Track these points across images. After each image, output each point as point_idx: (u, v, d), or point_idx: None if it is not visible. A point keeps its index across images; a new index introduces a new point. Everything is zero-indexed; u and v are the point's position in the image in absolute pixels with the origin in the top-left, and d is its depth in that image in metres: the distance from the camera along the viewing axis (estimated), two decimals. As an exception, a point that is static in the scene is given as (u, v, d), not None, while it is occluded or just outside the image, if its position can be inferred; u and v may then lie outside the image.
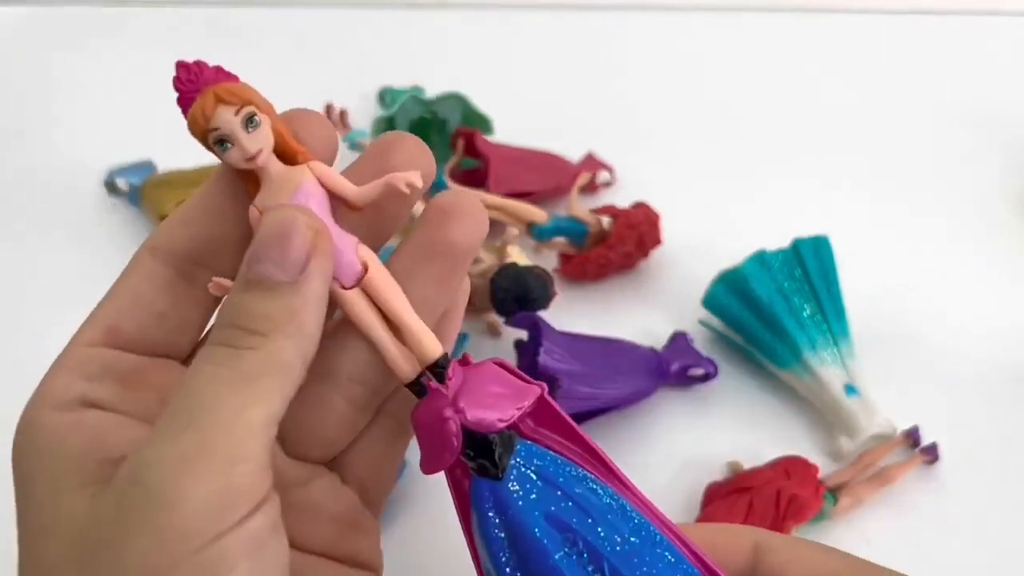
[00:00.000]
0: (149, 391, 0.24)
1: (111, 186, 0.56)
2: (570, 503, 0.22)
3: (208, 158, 0.60)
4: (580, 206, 0.51)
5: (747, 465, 0.42)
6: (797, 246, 0.47)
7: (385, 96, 0.62)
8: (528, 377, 0.24)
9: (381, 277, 0.24)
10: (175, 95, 0.23)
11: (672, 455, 0.43)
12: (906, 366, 0.47)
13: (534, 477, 0.23)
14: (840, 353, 0.45)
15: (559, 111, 0.62)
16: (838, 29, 0.70)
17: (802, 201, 0.56)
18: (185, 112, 0.23)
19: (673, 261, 0.52)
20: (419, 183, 0.23)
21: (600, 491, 0.23)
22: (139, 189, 0.55)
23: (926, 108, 0.63)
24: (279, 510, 0.21)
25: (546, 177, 0.54)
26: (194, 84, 0.23)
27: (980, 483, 0.43)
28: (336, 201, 0.24)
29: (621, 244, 0.49)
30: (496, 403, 0.23)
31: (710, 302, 0.47)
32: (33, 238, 0.56)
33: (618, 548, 0.22)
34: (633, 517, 0.23)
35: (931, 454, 0.43)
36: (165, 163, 0.56)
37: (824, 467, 0.42)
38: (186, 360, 0.25)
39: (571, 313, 0.48)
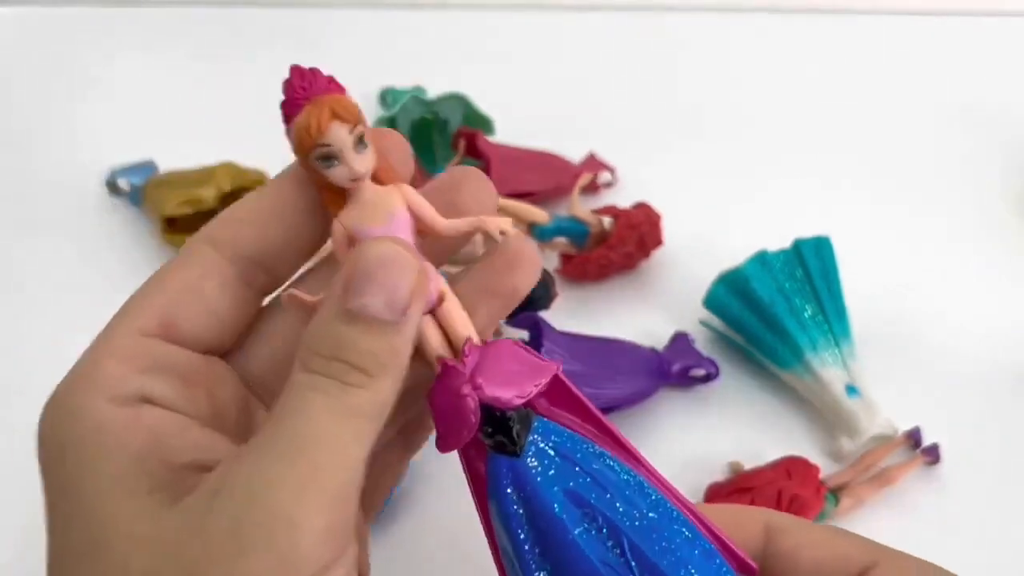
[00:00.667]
0: (201, 390, 0.23)
1: (112, 186, 0.56)
2: (588, 479, 0.22)
3: (209, 158, 0.60)
4: (581, 206, 0.51)
5: (748, 465, 0.42)
6: (798, 246, 0.47)
7: (386, 97, 0.62)
8: (542, 356, 0.24)
9: (454, 307, 0.24)
10: (281, 98, 0.22)
11: (673, 455, 0.43)
12: (907, 366, 0.47)
13: (552, 453, 0.23)
14: (841, 353, 0.45)
15: (560, 111, 0.62)
16: (839, 30, 0.70)
17: (803, 201, 0.56)
18: (289, 118, 0.22)
19: (674, 261, 0.52)
20: (511, 231, 0.24)
21: (617, 467, 0.23)
22: (140, 189, 0.55)
23: (927, 108, 0.63)
24: (356, 556, 0.22)
25: (547, 177, 0.54)
26: (306, 92, 0.22)
27: (981, 484, 0.43)
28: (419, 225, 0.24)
29: (622, 244, 0.49)
30: (513, 380, 0.23)
31: (711, 302, 0.47)
32: (34, 238, 0.56)
33: (636, 523, 0.22)
34: (650, 493, 0.23)
35: (932, 455, 0.43)
36: (166, 163, 0.56)
37: (825, 468, 0.42)
38: (224, 357, 0.25)
39: (572, 313, 0.48)
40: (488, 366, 0.23)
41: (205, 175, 0.52)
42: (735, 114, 0.63)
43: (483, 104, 0.59)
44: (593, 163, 0.57)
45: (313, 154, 0.22)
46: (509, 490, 0.23)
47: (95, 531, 0.20)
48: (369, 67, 0.66)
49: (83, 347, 0.55)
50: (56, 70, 0.67)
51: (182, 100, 0.64)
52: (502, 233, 0.23)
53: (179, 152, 0.57)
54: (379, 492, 0.28)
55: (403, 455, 0.28)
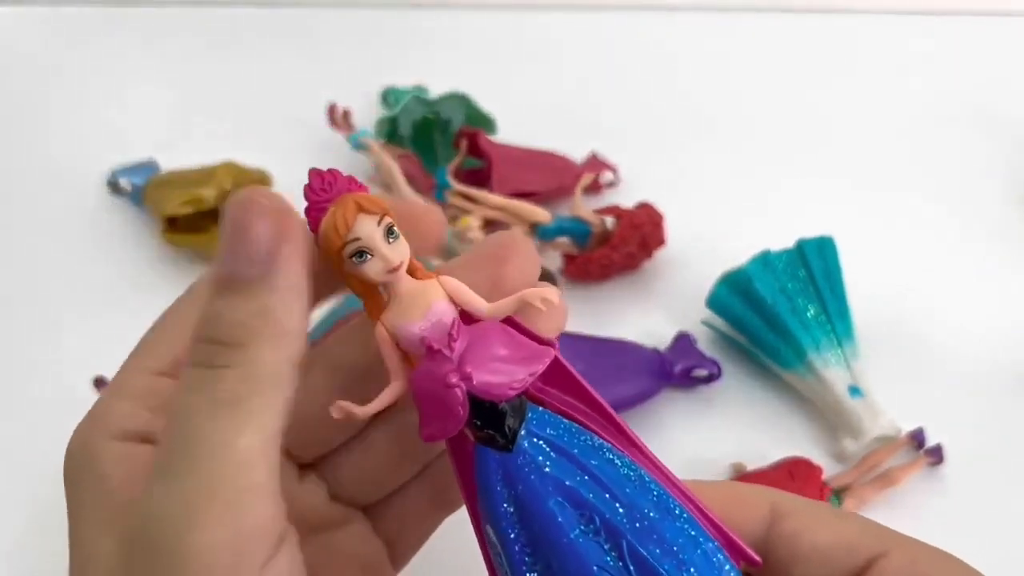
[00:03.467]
0: None
1: (114, 186, 0.56)
2: (586, 476, 0.21)
3: (210, 158, 0.60)
4: (584, 206, 0.51)
5: (751, 466, 0.42)
6: (801, 246, 0.47)
7: (388, 96, 0.62)
8: (537, 334, 0.22)
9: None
10: (304, 204, 0.21)
11: (675, 456, 0.43)
12: (910, 367, 0.47)
13: (547, 448, 0.21)
14: (844, 354, 0.45)
15: (562, 111, 0.62)
16: (843, 29, 0.70)
17: (806, 201, 0.56)
18: (313, 221, 0.21)
19: (677, 261, 0.52)
20: (555, 299, 0.22)
21: (617, 461, 0.21)
22: (142, 189, 0.55)
23: (931, 109, 0.63)
24: (297, 545, 0.20)
25: (549, 177, 0.54)
26: (327, 193, 0.21)
27: (985, 485, 0.42)
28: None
29: (624, 245, 0.49)
30: (505, 367, 0.21)
31: (714, 303, 0.47)
32: (36, 238, 0.56)
33: (637, 525, 0.20)
34: (652, 489, 0.21)
35: (936, 456, 0.43)
36: (168, 163, 0.56)
37: (828, 469, 0.42)
38: None
39: (574, 314, 0.47)
40: (478, 351, 0.21)
41: (206, 175, 0.52)
42: (738, 114, 0.63)
43: (485, 103, 0.58)
44: (595, 163, 0.56)
45: (344, 252, 0.21)
46: (499, 487, 0.21)
47: (77, 560, 0.21)
48: (370, 67, 0.66)
49: (83, 346, 0.55)
50: (56, 70, 0.67)
51: (183, 100, 0.64)
52: (544, 302, 0.22)
53: (180, 152, 0.57)
54: (409, 544, 0.26)
55: (431, 509, 0.26)
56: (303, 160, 0.61)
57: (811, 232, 0.48)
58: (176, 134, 0.61)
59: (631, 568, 0.20)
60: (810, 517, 0.23)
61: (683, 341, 0.47)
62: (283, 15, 0.72)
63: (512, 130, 0.58)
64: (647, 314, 0.50)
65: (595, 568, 0.20)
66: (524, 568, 0.21)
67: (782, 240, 0.47)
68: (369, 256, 0.21)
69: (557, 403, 0.22)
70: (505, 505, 0.21)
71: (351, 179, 0.22)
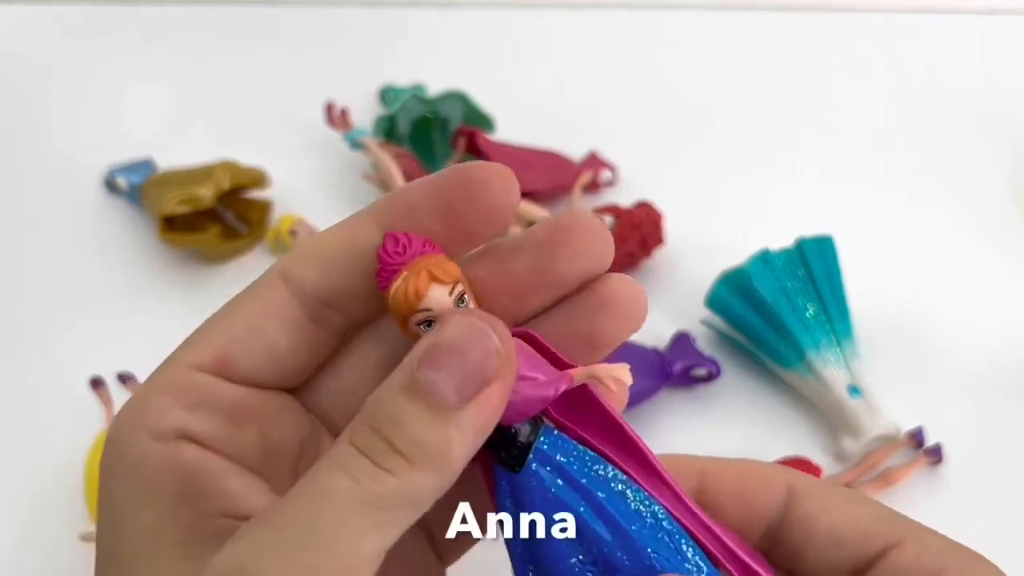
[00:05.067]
0: (252, 427, 0.22)
1: (111, 185, 0.56)
2: (590, 507, 0.21)
3: (208, 157, 0.59)
4: (582, 205, 0.50)
5: (750, 466, 0.42)
6: (801, 246, 0.47)
7: (386, 95, 0.62)
8: (559, 353, 0.22)
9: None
10: (376, 265, 0.21)
11: (675, 456, 0.43)
12: (910, 367, 0.47)
13: (555, 475, 0.21)
14: (844, 354, 0.45)
15: (561, 110, 0.62)
16: (844, 28, 0.70)
17: (806, 200, 0.55)
18: (384, 284, 0.21)
19: (676, 261, 0.52)
20: (628, 380, 0.21)
21: (630, 494, 0.21)
22: (139, 188, 0.54)
23: (933, 107, 0.62)
24: None
25: (548, 176, 0.54)
26: (401, 257, 0.21)
27: (984, 484, 0.42)
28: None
29: (624, 244, 0.49)
30: (522, 390, 0.21)
31: (713, 302, 0.47)
32: (32, 236, 0.56)
33: (637, 563, 0.20)
34: (663, 525, 0.21)
35: (935, 455, 0.43)
36: (165, 161, 0.56)
37: (828, 468, 0.42)
38: (294, 391, 0.24)
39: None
40: None
41: (204, 174, 0.52)
42: (737, 112, 0.63)
43: (483, 102, 0.58)
44: (594, 162, 0.56)
45: (412, 319, 0.21)
46: (508, 503, 0.21)
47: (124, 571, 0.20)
48: (369, 65, 0.65)
49: (79, 346, 0.55)
50: (53, 68, 0.67)
51: (181, 98, 0.64)
52: (615, 382, 0.21)
53: (178, 150, 0.56)
54: (459, 542, 0.25)
55: (434, 563, 0.25)
56: (301, 159, 0.61)
57: (811, 231, 0.48)
58: (173, 133, 0.61)
59: None
60: (826, 500, 0.23)
61: (682, 340, 0.47)
62: (282, 13, 0.71)
63: (510, 129, 0.58)
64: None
65: None
66: None
67: (781, 239, 0.47)
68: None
69: (578, 426, 0.22)
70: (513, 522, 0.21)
71: (426, 241, 0.21)
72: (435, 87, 0.60)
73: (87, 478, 0.43)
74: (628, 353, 0.45)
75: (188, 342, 0.22)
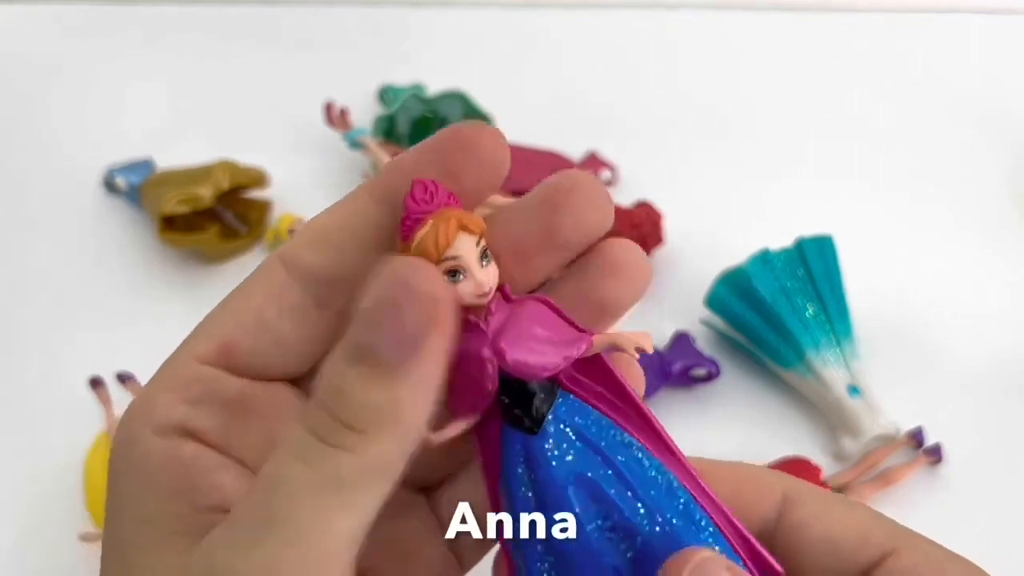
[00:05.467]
0: (254, 421, 0.22)
1: (110, 185, 0.56)
2: (610, 471, 0.20)
3: (207, 157, 0.59)
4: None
5: (750, 466, 0.42)
6: (801, 245, 0.47)
7: (386, 94, 0.62)
8: (575, 320, 0.21)
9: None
10: (402, 213, 0.21)
11: (674, 456, 0.43)
12: (910, 367, 0.47)
13: (573, 437, 0.21)
14: (843, 353, 0.45)
15: (561, 109, 0.62)
16: (844, 27, 0.70)
17: (805, 200, 0.55)
18: (407, 232, 0.21)
19: (675, 261, 0.52)
20: (650, 348, 0.21)
21: (646, 462, 0.21)
22: (138, 188, 0.54)
23: (933, 107, 0.62)
24: None
25: (547, 176, 0.54)
26: (427, 204, 0.21)
27: (984, 484, 0.42)
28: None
29: (623, 243, 0.49)
30: (540, 348, 0.20)
31: (713, 302, 0.47)
32: (32, 236, 0.56)
33: (657, 529, 0.20)
34: (679, 495, 0.21)
35: (935, 455, 0.43)
36: (164, 161, 0.56)
37: (827, 468, 0.42)
38: (298, 382, 0.23)
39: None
40: (515, 328, 0.21)
41: (203, 173, 0.52)
42: (737, 112, 0.63)
43: (483, 102, 0.58)
44: (594, 161, 0.56)
45: (438, 268, 0.20)
46: (520, 470, 0.21)
47: (120, 563, 0.21)
48: (368, 65, 0.65)
49: (79, 346, 0.55)
50: (52, 68, 0.67)
51: (180, 98, 0.64)
52: (638, 350, 0.21)
53: (177, 150, 0.56)
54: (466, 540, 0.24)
55: (454, 566, 0.25)
56: (300, 159, 0.61)
57: (810, 231, 0.48)
58: (173, 133, 0.61)
59: (642, 572, 0.20)
60: (822, 507, 0.22)
61: (682, 340, 0.47)
62: (281, 13, 0.71)
63: (510, 128, 0.57)
64: (645, 313, 0.49)
65: (608, 566, 0.20)
66: (536, 560, 0.21)
67: (781, 239, 0.47)
68: (462, 276, 0.21)
69: (592, 396, 0.22)
70: (523, 489, 0.21)
71: (451, 194, 0.21)
72: (434, 87, 0.60)
73: (87, 478, 0.43)
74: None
75: (193, 334, 0.22)
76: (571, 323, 0.22)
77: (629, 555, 0.20)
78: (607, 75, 0.66)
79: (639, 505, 0.20)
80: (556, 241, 0.22)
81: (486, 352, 0.20)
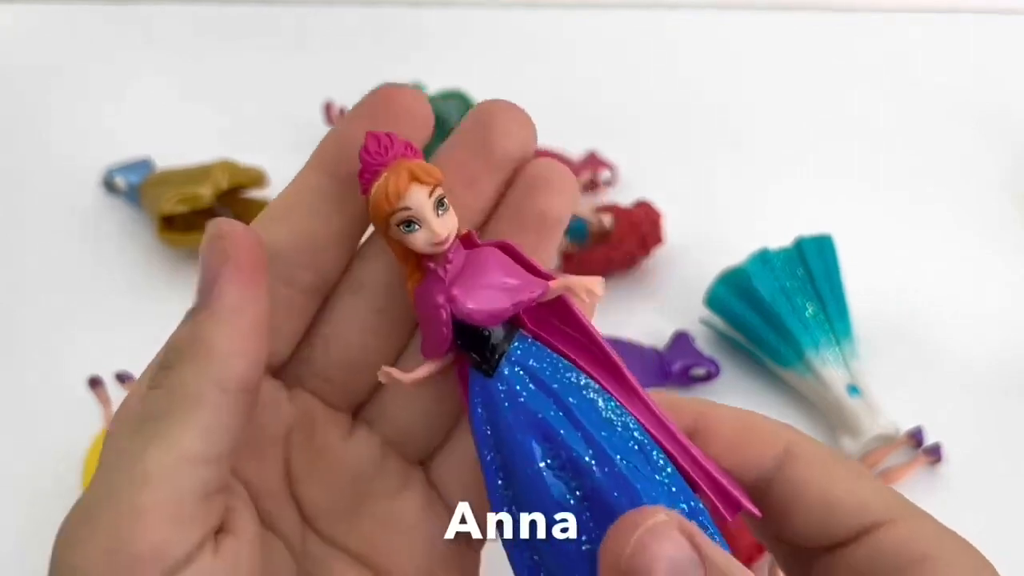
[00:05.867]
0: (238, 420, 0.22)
1: (109, 184, 0.56)
2: (560, 412, 0.21)
3: (206, 156, 0.59)
4: (582, 205, 0.50)
5: (749, 466, 0.42)
6: (800, 245, 0.47)
7: (385, 94, 0.62)
8: (536, 264, 0.22)
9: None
10: (357, 166, 0.22)
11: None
12: (909, 367, 0.47)
13: (527, 379, 0.21)
14: (843, 353, 0.45)
15: (560, 109, 0.62)
16: (843, 27, 0.70)
17: (805, 199, 0.55)
18: (365, 184, 0.21)
19: (675, 260, 0.52)
20: (599, 291, 0.22)
21: (601, 403, 0.21)
22: (137, 187, 0.54)
23: (933, 107, 0.62)
24: (226, 569, 0.20)
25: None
26: (382, 157, 0.21)
27: (984, 484, 0.42)
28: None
29: (623, 243, 0.49)
30: (492, 295, 0.21)
31: (712, 301, 0.47)
32: (31, 236, 0.56)
33: (606, 469, 0.20)
34: (634, 435, 0.21)
35: (934, 455, 0.43)
36: (163, 161, 0.56)
37: (827, 468, 0.42)
38: (280, 372, 0.24)
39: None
40: (470, 274, 0.21)
41: (202, 173, 0.52)
42: (736, 112, 0.63)
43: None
44: (593, 161, 0.56)
45: (393, 220, 0.21)
46: (480, 409, 0.21)
47: None
48: (368, 65, 0.65)
49: (78, 346, 0.55)
50: (52, 68, 0.67)
51: (179, 97, 0.64)
52: (589, 294, 0.22)
53: (176, 150, 0.56)
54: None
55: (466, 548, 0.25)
56: (300, 159, 0.61)
57: (810, 230, 0.48)
58: (172, 132, 0.61)
59: (590, 510, 0.20)
60: (823, 466, 0.22)
61: (681, 340, 0.47)
62: (280, 13, 0.71)
63: (510, 128, 0.58)
64: (645, 313, 0.50)
65: (557, 502, 0.20)
66: (497, 492, 0.21)
67: (781, 238, 0.47)
68: (417, 226, 0.21)
69: (559, 337, 0.22)
70: (484, 426, 0.21)
71: (407, 144, 0.22)
72: (434, 87, 0.60)
73: (86, 478, 0.43)
74: (627, 352, 0.45)
75: (166, 447, 0.23)
76: (532, 267, 0.22)
77: (578, 493, 0.20)
78: (607, 75, 0.66)
79: (587, 446, 0.21)
80: (494, 158, 0.23)
81: (440, 299, 0.21)
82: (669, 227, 0.51)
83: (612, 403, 0.21)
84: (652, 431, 0.21)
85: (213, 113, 0.62)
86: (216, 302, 0.20)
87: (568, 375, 0.21)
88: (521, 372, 0.21)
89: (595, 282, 0.22)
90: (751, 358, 0.47)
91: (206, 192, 0.51)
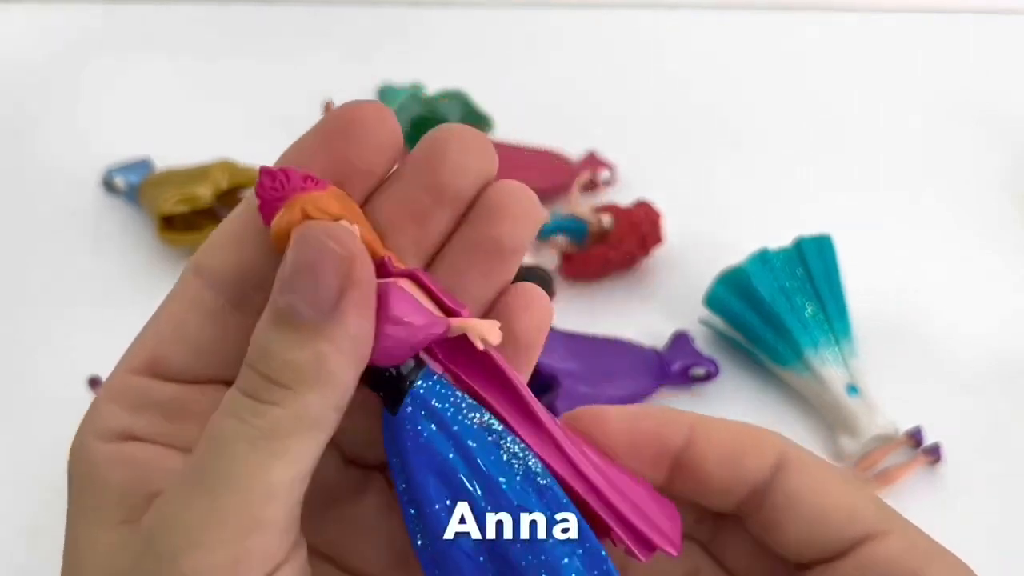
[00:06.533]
0: (192, 421, 0.22)
1: (109, 184, 0.56)
2: (460, 455, 0.21)
3: (206, 156, 0.59)
4: (581, 205, 0.50)
5: (749, 466, 0.42)
6: (800, 245, 0.47)
7: (385, 94, 0.62)
8: (444, 298, 0.21)
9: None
10: (256, 202, 0.21)
11: (673, 455, 0.43)
12: (908, 366, 0.47)
13: (428, 420, 0.21)
14: (842, 353, 0.45)
15: (560, 109, 0.62)
16: (843, 26, 0.70)
17: (805, 199, 0.55)
18: (266, 218, 0.21)
19: (674, 260, 0.52)
20: (495, 340, 0.21)
21: (504, 445, 0.21)
22: (137, 187, 0.54)
23: (933, 107, 0.62)
24: (302, 566, 0.21)
25: (547, 175, 0.54)
26: (278, 193, 0.21)
27: (983, 484, 0.42)
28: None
29: (622, 243, 0.49)
30: (392, 333, 0.21)
31: (712, 301, 0.47)
32: (31, 237, 0.56)
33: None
34: (537, 481, 0.21)
35: (933, 454, 0.43)
36: (163, 161, 0.56)
37: (826, 468, 0.42)
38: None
39: (572, 312, 0.48)
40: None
41: (202, 173, 0.52)
42: (736, 111, 0.63)
43: (482, 102, 0.58)
44: (593, 161, 0.56)
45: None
46: (389, 445, 0.21)
47: (74, 559, 0.21)
48: (367, 64, 0.65)
49: (78, 346, 0.55)
50: (51, 68, 0.67)
51: (179, 98, 0.64)
52: (483, 341, 0.21)
53: (176, 150, 0.56)
54: None
55: None
56: (300, 158, 0.61)
57: (809, 230, 0.48)
58: (172, 132, 0.61)
59: (489, 553, 0.20)
60: (817, 477, 0.22)
61: (681, 340, 0.47)
62: (279, 13, 0.71)
63: (509, 128, 0.58)
64: (645, 313, 0.50)
65: (459, 543, 0.21)
66: (411, 521, 0.21)
67: (780, 238, 0.47)
68: None
69: (464, 371, 0.22)
70: (394, 459, 0.21)
71: (307, 176, 0.21)
72: (433, 87, 0.60)
73: (85, 477, 0.43)
74: (627, 352, 0.45)
75: (128, 349, 0.23)
76: (440, 301, 0.22)
77: (478, 535, 0.21)
78: (607, 75, 0.66)
79: (486, 493, 0.21)
80: (446, 196, 0.22)
81: None
82: (668, 227, 0.51)
83: (517, 445, 0.21)
84: (558, 471, 0.21)
85: (213, 113, 0.62)
86: (338, 329, 0.20)
87: (472, 415, 0.21)
88: (423, 413, 0.21)
89: (491, 328, 0.21)
90: (750, 358, 0.47)
91: (206, 192, 0.51)
